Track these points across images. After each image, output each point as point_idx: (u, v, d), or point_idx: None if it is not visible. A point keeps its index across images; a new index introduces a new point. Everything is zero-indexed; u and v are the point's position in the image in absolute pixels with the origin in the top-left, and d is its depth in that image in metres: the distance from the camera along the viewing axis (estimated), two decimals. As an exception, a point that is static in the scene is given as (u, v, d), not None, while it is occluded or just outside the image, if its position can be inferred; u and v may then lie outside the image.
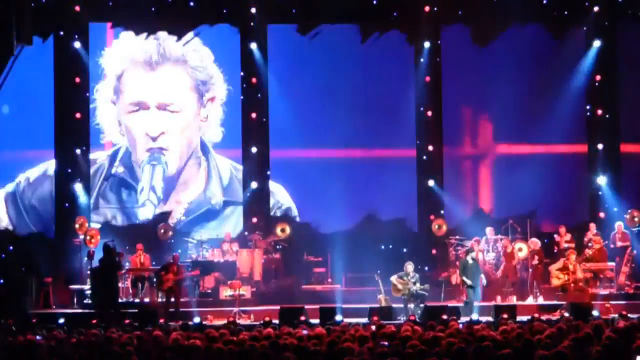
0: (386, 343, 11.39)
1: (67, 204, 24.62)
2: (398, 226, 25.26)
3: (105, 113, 25.34)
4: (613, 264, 22.50)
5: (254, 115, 25.21)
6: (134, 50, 25.28)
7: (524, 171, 24.65)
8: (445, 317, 18.23)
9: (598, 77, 25.07)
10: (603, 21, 25.02)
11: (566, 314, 18.93)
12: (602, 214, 24.57)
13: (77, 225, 23.53)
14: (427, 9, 24.94)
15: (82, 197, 24.74)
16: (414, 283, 20.79)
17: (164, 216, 25.10)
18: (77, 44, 24.76)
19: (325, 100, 25.21)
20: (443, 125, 25.39)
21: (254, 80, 25.16)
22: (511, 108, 24.71)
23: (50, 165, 25.10)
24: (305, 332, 13.04)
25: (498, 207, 25.51)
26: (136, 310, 20.38)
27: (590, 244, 22.55)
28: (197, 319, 19.49)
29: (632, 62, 25.12)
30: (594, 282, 22.10)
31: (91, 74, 25.09)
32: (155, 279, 21.82)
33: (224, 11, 25.22)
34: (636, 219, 23.17)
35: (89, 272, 21.93)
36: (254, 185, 25.10)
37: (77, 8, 24.56)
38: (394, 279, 20.91)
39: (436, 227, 24.02)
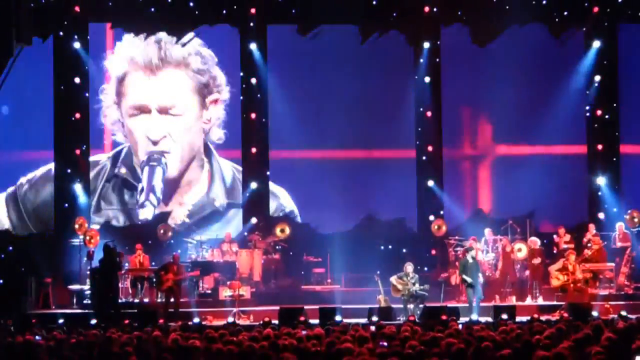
0: (386, 343, 11.39)
1: (66, 205, 24.62)
2: (397, 227, 25.27)
3: (109, 115, 25.33)
4: (612, 264, 22.50)
5: (253, 115, 25.21)
6: (135, 54, 25.25)
7: (524, 172, 24.66)
8: (444, 317, 18.24)
9: (598, 78, 25.07)
10: (603, 22, 25.04)
11: (565, 315, 18.93)
12: (601, 215, 24.57)
13: (76, 226, 23.51)
14: (426, 9, 24.95)
15: (81, 198, 24.74)
16: (414, 283, 20.78)
17: (164, 216, 25.10)
18: (77, 45, 24.75)
19: (325, 101, 25.20)
20: (442, 125, 25.40)
21: (253, 80, 25.16)
22: (511, 109, 24.72)
23: (52, 168, 25.08)
24: (304, 332, 13.03)
25: (497, 208, 25.51)
26: (136, 311, 20.38)
27: (589, 245, 22.54)
28: (196, 320, 19.49)
29: (632, 62, 25.13)
30: (593, 282, 22.08)
31: (92, 74, 25.08)
32: (155, 279, 21.81)
33: (224, 12, 25.21)
34: (636, 220, 23.17)
35: (88, 272, 21.94)
36: (253, 185, 25.10)
37: (77, 8, 24.56)
38: (393, 279, 20.91)
39: (436, 227, 24.01)
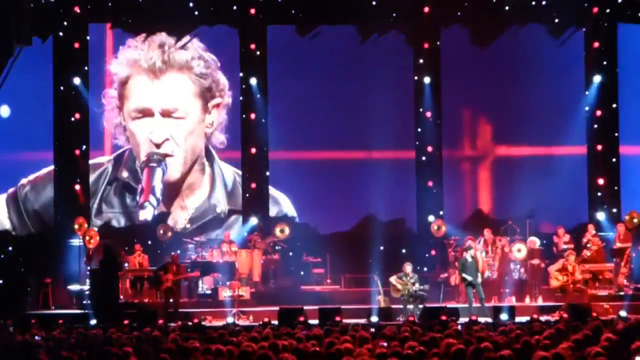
0: (385, 344, 11.40)
1: (66, 205, 24.61)
2: (397, 227, 25.27)
3: (111, 118, 25.32)
4: (612, 264, 22.50)
5: (253, 116, 25.20)
6: (138, 57, 25.23)
7: (523, 172, 24.65)
8: (444, 318, 18.24)
9: (598, 78, 25.06)
10: (602, 22, 25.02)
11: (565, 315, 18.92)
12: (601, 215, 24.57)
13: (76, 226, 23.51)
14: (426, 10, 24.94)
15: (81, 198, 24.73)
16: (413, 284, 20.78)
17: (164, 216, 25.09)
18: (77, 45, 24.74)
19: (325, 102, 25.20)
20: (442, 126, 25.40)
21: (253, 81, 25.15)
22: (510, 109, 24.72)
23: (52, 169, 25.09)
24: (304, 332, 13.04)
25: (497, 208, 25.51)
26: (135, 311, 20.38)
27: (589, 245, 22.54)
28: (196, 320, 19.49)
29: (632, 62, 25.13)
30: (592, 283, 22.10)
31: (92, 75, 25.07)
32: (154, 279, 21.80)
33: (223, 12, 25.20)
34: (635, 220, 23.15)
35: (88, 272, 21.94)
36: (253, 186, 25.08)
37: (77, 9, 24.56)
38: (393, 279, 20.91)
39: (435, 228, 24.01)
